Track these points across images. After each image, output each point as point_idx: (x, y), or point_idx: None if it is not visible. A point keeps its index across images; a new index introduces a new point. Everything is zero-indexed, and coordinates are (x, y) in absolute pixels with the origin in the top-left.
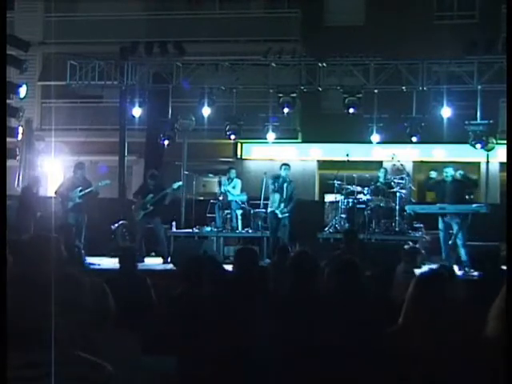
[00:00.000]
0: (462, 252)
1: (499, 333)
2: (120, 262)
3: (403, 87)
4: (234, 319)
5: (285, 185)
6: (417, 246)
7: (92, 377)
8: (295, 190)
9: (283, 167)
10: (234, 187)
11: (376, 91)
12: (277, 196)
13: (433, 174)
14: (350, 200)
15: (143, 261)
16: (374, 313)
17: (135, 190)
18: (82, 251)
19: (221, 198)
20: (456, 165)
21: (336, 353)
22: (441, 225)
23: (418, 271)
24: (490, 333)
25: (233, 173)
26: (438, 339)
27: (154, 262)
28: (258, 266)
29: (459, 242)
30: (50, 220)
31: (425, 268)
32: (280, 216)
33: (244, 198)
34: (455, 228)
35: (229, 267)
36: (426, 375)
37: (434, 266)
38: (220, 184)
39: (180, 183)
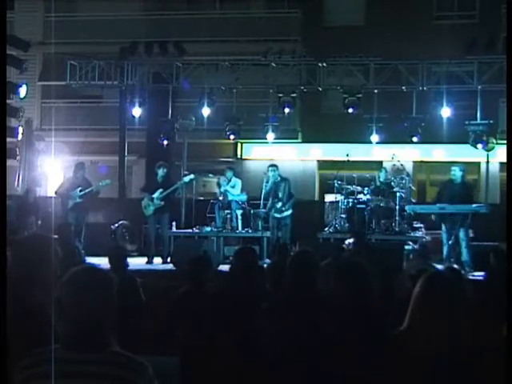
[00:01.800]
0: (464, 252)
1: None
2: (110, 262)
3: (403, 87)
4: (233, 319)
5: (274, 185)
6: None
7: (136, 379)
8: (290, 188)
9: (269, 169)
10: (233, 187)
11: (376, 91)
12: (270, 198)
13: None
14: (350, 200)
15: (152, 262)
16: (380, 313)
17: (142, 186)
18: (82, 251)
19: (221, 198)
20: (455, 165)
21: (340, 353)
22: (444, 225)
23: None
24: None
25: (230, 173)
26: (445, 340)
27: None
28: (257, 265)
29: (462, 242)
30: (50, 220)
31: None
32: (278, 216)
33: (244, 198)
34: (458, 228)
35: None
36: (433, 377)
37: (440, 267)
38: (219, 185)
39: (192, 176)
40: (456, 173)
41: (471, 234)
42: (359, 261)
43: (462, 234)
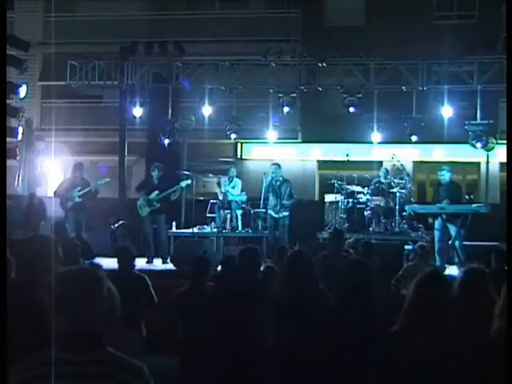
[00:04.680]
0: (460, 252)
1: (502, 332)
2: (118, 262)
3: (403, 87)
4: (236, 318)
5: (277, 184)
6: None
7: (133, 381)
8: (292, 189)
9: (272, 167)
10: (233, 187)
11: (376, 91)
12: (271, 197)
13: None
14: (350, 200)
15: (152, 262)
16: (376, 313)
17: (137, 185)
18: (89, 249)
19: (221, 198)
20: (455, 165)
21: (333, 352)
22: (437, 225)
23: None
24: (493, 332)
25: (233, 172)
26: (438, 340)
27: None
28: (260, 265)
29: (457, 242)
30: (51, 221)
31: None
32: (277, 216)
33: (244, 198)
34: (452, 228)
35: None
36: (426, 376)
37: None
38: (219, 184)
39: (188, 181)
40: (444, 174)
41: (470, 234)
42: (358, 260)
43: (454, 233)
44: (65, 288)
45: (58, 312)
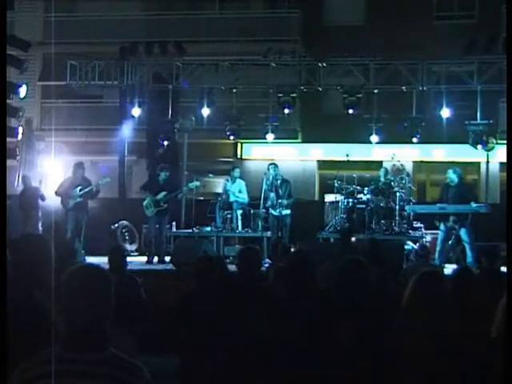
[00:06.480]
0: (469, 253)
1: (502, 332)
2: (109, 262)
3: (403, 87)
4: (236, 319)
5: (277, 183)
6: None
7: (134, 382)
8: (291, 189)
9: (270, 167)
10: (240, 191)
11: (376, 91)
12: (271, 195)
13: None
14: (350, 200)
15: (152, 262)
16: (376, 313)
17: (143, 184)
18: (83, 251)
19: (220, 199)
20: (455, 165)
21: (337, 352)
22: (443, 226)
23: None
24: (494, 332)
25: (236, 172)
26: (435, 337)
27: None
28: (261, 265)
29: (466, 243)
30: (50, 220)
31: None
32: (278, 214)
33: (246, 200)
34: (463, 230)
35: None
36: (423, 374)
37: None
38: (226, 189)
39: (197, 183)
40: (450, 175)
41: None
42: (356, 258)
43: (464, 235)
44: (73, 286)
45: (64, 310)
